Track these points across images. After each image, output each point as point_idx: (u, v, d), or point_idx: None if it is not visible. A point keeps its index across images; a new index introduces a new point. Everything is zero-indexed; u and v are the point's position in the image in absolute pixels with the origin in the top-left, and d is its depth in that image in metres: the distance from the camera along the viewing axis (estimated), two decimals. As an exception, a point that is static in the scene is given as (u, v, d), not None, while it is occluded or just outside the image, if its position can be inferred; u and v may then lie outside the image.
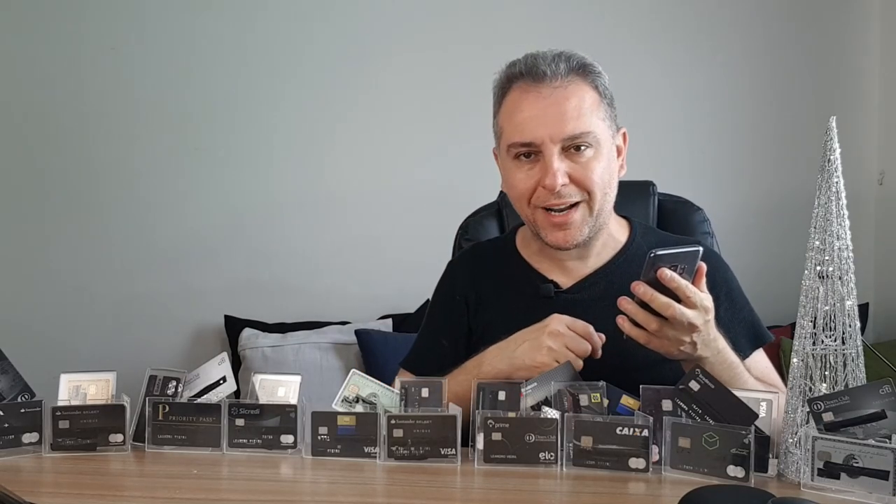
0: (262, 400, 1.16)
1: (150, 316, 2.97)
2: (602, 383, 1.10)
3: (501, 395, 1.11)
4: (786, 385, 1.05)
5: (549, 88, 1.24)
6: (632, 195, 1.51)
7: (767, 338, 1.36)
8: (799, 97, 2.94)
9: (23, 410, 1.13)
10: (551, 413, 1.07)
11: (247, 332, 2.82)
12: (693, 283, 1.10)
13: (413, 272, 2.81)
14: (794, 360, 1.01)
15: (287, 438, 1.14)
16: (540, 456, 1.06)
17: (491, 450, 1.06)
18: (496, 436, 1.06)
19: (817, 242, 0.99)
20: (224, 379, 1.19)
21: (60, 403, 1.15)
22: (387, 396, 1.13)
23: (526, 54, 1.28)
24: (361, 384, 1.14)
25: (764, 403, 1.04)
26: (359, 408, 1.12)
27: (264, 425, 1.14)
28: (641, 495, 0.98)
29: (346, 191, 2.98)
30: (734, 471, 0.98)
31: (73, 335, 2.93)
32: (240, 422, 1.14)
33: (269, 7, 2.97)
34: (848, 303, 0.98)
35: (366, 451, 1.10)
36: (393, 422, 1.08)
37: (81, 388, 1.17)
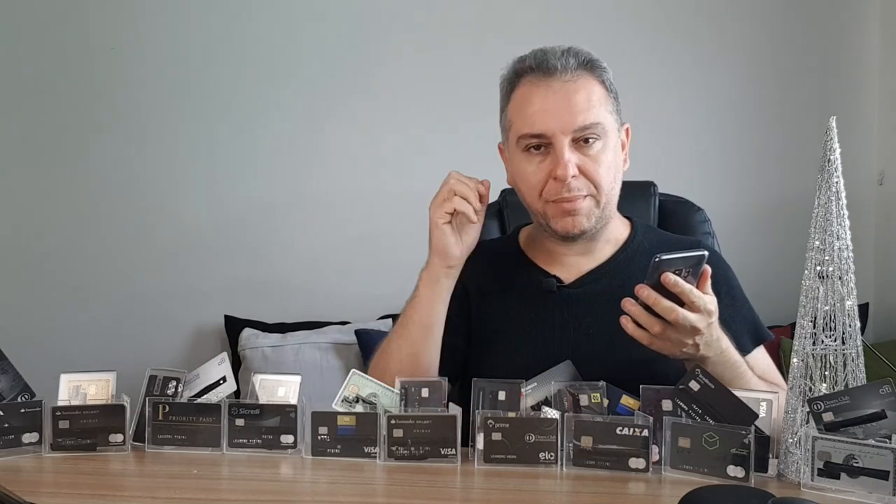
0: (262, 400, 1.16)
1: (150, 316, 2.97)
2: (602, 383, 1.10)
3: (501, 395, 1.11)
4: (787, 384, 1.05)
5: (559, 82, 1.26)
6: (633, 195, 1.51)
7: (767, 336, 1.37)
8: (799, 97, 2.94)
9: (23, 410, 1.13)
10: (551, 413, 1.07)
11: (247, 332, 2.82)
12: (697, 286, 1.10)
13: (413, 272, 2.79)
14: (794, 360, 1.01)
15: (287, 438, 1.14)
16: (540, 456, 1.06)
17: (491, 450, 1.06)
18: (496, 436, 1.06)
19: (817, 242, 0.99)
20: (224, 379, 1.19)
21: (60, 403, 1.15)
22: (387, 396, 1.14)
23: (534, 49, 1.30)
24: (361, 384, 1.14)
25: (764, 403, 1.04)
26: (359, 408, 1.12)
27: (264, 425, 1.14)
28: (641, 495, 0.98)
29: (346, 190, 2.98)
30: (734, 471, 0.98)
31: (73, 335, 2.93)
32: (240, 422, 1.14)
33: (269, 8, 2.97)
34: (848, 303, 0.98)
35: (366, 451, 1.10)
36: (393, 422, 1.08)
37: (81, 388, 1.17)
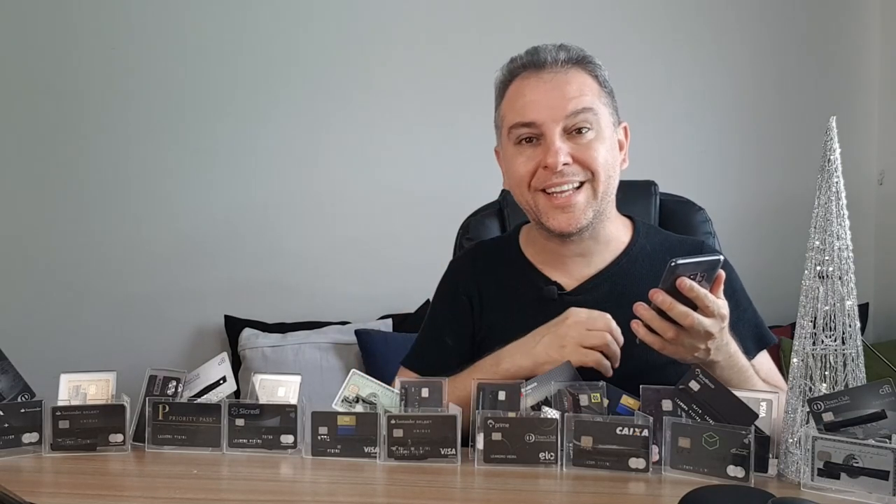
0: (262, 400, 1.16)
1: (150, 316, 2.97)
2: (602, 383, 1.10)
3: (501, 395, 1.11)
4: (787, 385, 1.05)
5: (549, 74, 1.26)
6: (633, 195, 1.50)
7: (771, 340, 1.36)
8: (799, 97, 2.94)
9: (23, 410, 1.13)
10: (551, 413, 1.07)
11: (247, 332, 2.82)
12: (710, 290, 1.10)
13: (413, 272, 2.81)
14: (794, 360, 1.01)
15: (287, 438, 1.14)
16: (540, 456, 1.06)
17: (491, 450, 1.06)
18: (496, 436, 1.06)
19: (817, 242, 0.99)
20: (224, 379, 1.19)
21: (60, 403, 1.15)
22: (387, 396, 1.13)
23: (526, 49, 1.30)
24: (361, 384, 1.14)
25: (764, 403, 1.04)
26: (359, 408, 1.12)
27: (264, 425, 1.14)
28: (641, 495, 0.98)
29: (346, 191, 2.99)
30: (734, 471, 0.98)
31: (73, 335, 2.93)
32: (240, 422, 1.14)
33: (269, 8, 2.97)
34: (848, 303, 0.98)
35: (366, 451, 1.10)
36: (393, 422, 1.08)
37: (81, 388, 1.17)
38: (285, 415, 1.14)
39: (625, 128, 1.34)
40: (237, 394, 1.24)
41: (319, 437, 1.11)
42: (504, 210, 1.64)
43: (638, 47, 2.85)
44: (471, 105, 2.87)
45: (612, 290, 1.31)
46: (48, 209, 2.98)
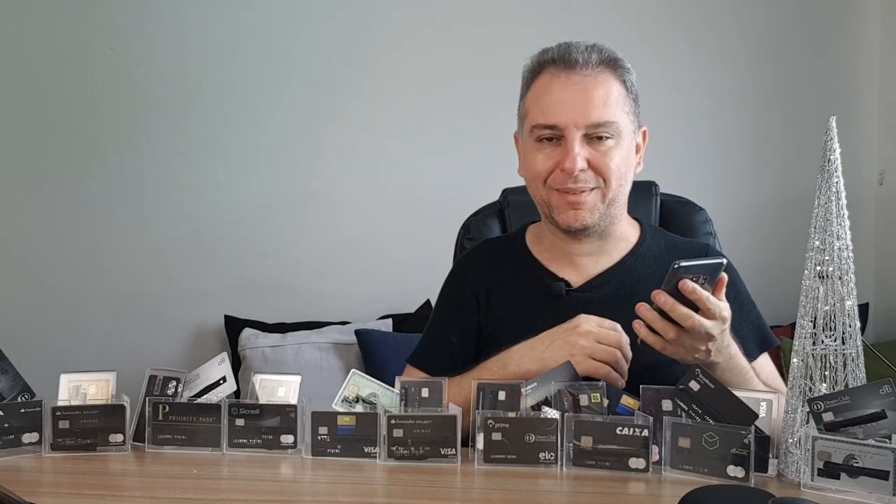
0: (262, 400, 1.16)
1: (150, 316, 2.97)
2: (602, 383, 1.10)
3: (501, 395, 1.11)
4: (786, 387, 1.05)
5: (578, 76, 1.26)
6: (634, 195, 1.50)
7: (773, 342, 1.36)
8: (799, 97, 2.94)
9: (23, 410, 1.13)
10: (551, 413, 1.07)
11: (247, 332, 2.82)
12: (713, 293, 1.10)
13: (413, 272, 2.81)
14: (794, 360, 1.01)
15: (287, 438, 1.14)
16: (540, 456, 1.06)
17: (491, 450, 1.06)
18: (496, 436, 1.06)
19: (817, 242, 0.99)
20: (224, 379, 1.19)
21: (60, 403, 1.15)
22: (387, 396, 1.13)
23: (559, 43, 1.30)
24: (361, 384, 1.14)
25: (764, 403, 1.04)
26: (359, 408, 1.12)
27: (264, 425, 1.14)
28: (641, 495, 0.98)
29: (346, 191, 2.98)
30: (734, 471, 0.98)
31: (73, 335, 2.93)
32: (240, 422, 1.14)
33: (269, 7, 2.97)
34: (848, 303, 0.98)
35: (366, 451, 1.10)
36: (393, 422, 1.08)
37: (81, 388, 1.17)
38: (285, 415, 1.14)
39: (644, 132, 1.35)
40: (237, 394, 1.24)
41: (319, 437, 1.11)
42: (505, 210, 1.64)
43: (638, 47, 2.81)
44: (472, 106, 2.89)
45: (619, 288, 1.32)
46: (48, 209, 2.97)
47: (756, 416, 1.01)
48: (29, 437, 1.13)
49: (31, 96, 2.97)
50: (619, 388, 1.12)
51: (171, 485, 1.02)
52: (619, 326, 1.19)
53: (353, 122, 2.97)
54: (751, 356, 1.26)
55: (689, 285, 1.07)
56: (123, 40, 2.96)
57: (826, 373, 0.98)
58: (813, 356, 0.99)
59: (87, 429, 1.14)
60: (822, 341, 0.98)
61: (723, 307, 1.10)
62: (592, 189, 1.27)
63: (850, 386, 0.97)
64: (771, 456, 1.02)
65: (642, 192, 1.59)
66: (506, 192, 1.66)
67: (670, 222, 1.57)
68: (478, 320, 1.39)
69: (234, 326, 2.89)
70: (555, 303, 1.30)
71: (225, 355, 1.22)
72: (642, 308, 1.11)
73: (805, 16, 2.94)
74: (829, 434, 0.94)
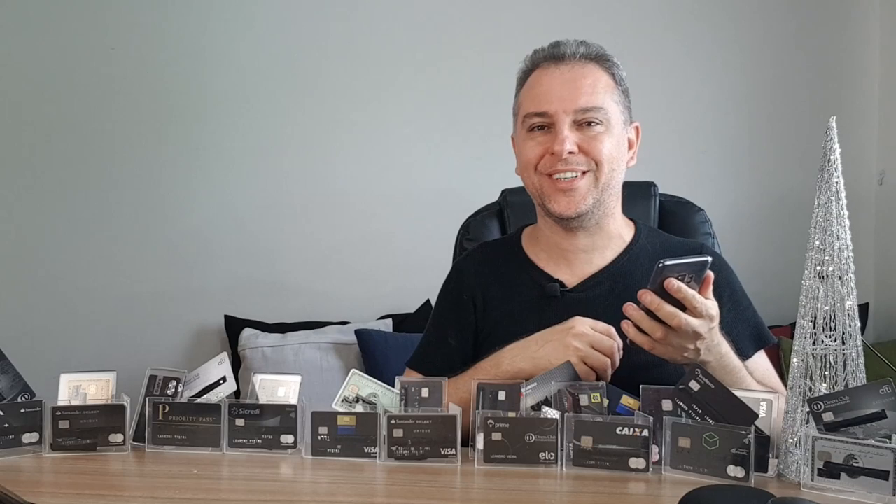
0: (262, 400, 1.16)
1: (150, 316, 2.97)
2: (602, 383, 1.10)
3: (501, 395, 1.11)
4: (786, 387, 1.05)
5: (567, 66, 1.30)
6: (633, 195, 1.51)
7: (770, 340, 1.36)
8: (799, 97, 2.94)
9: (23, 410, 1.13)
10: (551, 413, 1.07)
11: (247, 332, 2.82)
12: (700, 291, 1.10)
13: (413, 272, 2.82)
14: (794, 360, 1.01)
15: (287, 438, 1.14)
16: (540, 456, 1.06)
17: (491, 450, 1.06)
18: (496, 436, 1.06)
19: (817, 242, 0.99)
20: (224, 379, 1.19)
21: (60, 403, 1.15)
22: (387, 396, 1.13)
23: (549, 42, 1.34)
24: (361, 384, 1.14)
25: (764, 403, 1.04)
26: (359, 408, 1.12)
27: (264, 425, 1.14)
28: (641, 495, 0.98)
29: (346, 191, 2.99)
30: (734, 471, 0.98)
31: (73, 335, 2.93)
32: (240, 422, 1.14)
33: (271, 7, 2.97)
34: (848, 303, 0.98)
35: (366, 451, 1.10)
36: (393, 422, 1.08)
37: (81, 388, 1.17)
38: (285, 415, 1.14)
39: (636, 127, 1.37)
40: (237, 394, 1.24)
41: (319, 437, 1.11)
42: (504, 211, 1.64)
43: (638, 48, 2.85)
44: (472, 106, 2.90)
45: (613, 288, 1.32)
46: (48, 209, 2.97)
47: (756, 416, 1.01)
48: (29, 437, 1.13)
49: (30, 96, 2.97)
50: (612, 384, 1.12)
51: (170, 485, 1.02)
52: (613, 331, 1.19)
53: (354, 123, 2.97)
54: (744, 354, 1.26)
55: (674, 284, 1.07)
56: (124, 41, 2.96)
57: (826, 373, 0.98)
58: (813, 356, 0.99)
59: (87, 429, 1.14)
60: (822, 341, 0.98)
61: (709, 305, 1.11)
62: (584, 173, 1.29)
63: (850, 386, 0.97)
64: (771, 456, 1.02)
65: (641, 192, 1.59)
66: (505, 192, 1.66)
67: (669, 223, 1.57)
68: (475, 322, 1.40)
69: (234, 326, 2.89)
70: (550, 304, 1.31)
71: (225, 355, 1.22)
72: (629, 308, 1.11)
73: (805, 15, 2.94)
74: (829, 434, 0.94)
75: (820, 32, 2.95)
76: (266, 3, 2.97)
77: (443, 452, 1.08)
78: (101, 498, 0.97)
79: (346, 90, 2.97)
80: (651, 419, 1.04)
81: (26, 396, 1.17)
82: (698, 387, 1.04)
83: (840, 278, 0.98)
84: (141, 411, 1.18)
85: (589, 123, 1.28)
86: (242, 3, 2.98)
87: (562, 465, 1.05)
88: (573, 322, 1.21)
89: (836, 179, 0.98)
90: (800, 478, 0.96)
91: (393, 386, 1.14)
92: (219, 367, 1.20)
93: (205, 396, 1.18)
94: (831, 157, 0.98)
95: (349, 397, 1.13)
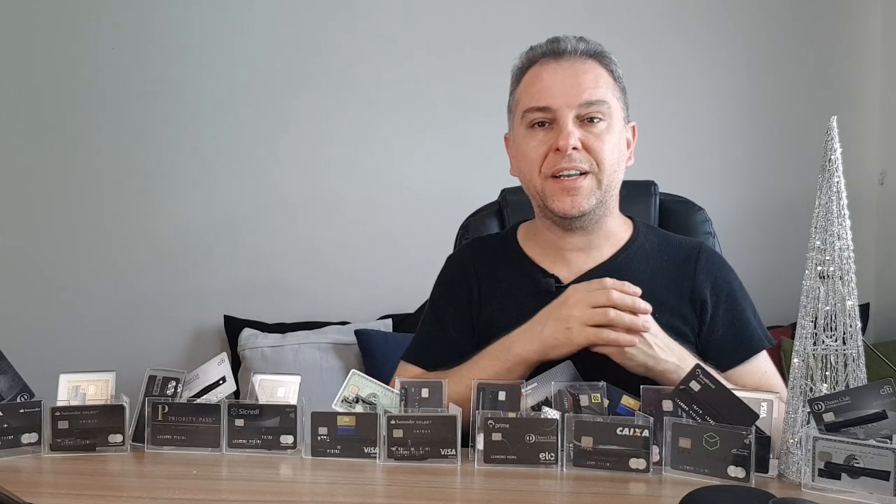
0: (262, 400, 1.16)
1: (150, 316, 2.97)
2: (602, 383, 1.10)
3: (501, 396, 1.11)
4: (787, 387, 1.05)
5: (567, 62, 1.29)
6: (633, 195, 1.50)
7: (762, 345, 1.32)
8: (800, 97, 2.94)
9: (22, 411, 1.13)
10: (551, 413, 1.07)
11: (246, 333, 2.82)
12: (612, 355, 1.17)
13: (413, 272, 2.80)
14: (795, 360, 1.01)
15: (287, 439, 1.14)
16: (540, 456, 1.06)
17: (491, 450, 1.06)
18: (496, 436, 1.06)
19: (818, 242, 0.98)
20: (224, 379, 1.19)
21: (60, 404, 1.15)
22: (387, 396, 1.13)
23: (547, 38, 1.33)
24: (361, 384, 1.14)
25: (764, 404, 1.04)
26: (359, 408, 1.12)
27: (264, 425, 1.14)
28: (642, 496, 0.98)
29: (345, 191, 2.98)
30: (735, 471, 0.98)
31: (72, 335, 2.93)
32: (239, 422, 1.14)
33: (270, 8, 2.97)
34: (849, 303, 0.98)
35: (366, 451, 1.10)
36: (393, 422, 1.08)
37: (81, 388, 1.17)
38: (285, 415, 1.14)
39: (633, 127, 1.37)
40: (237, 394, 1.23)
41: (319, 438, 1.11)
42: (504, 210, 1.64)
43: (637, 47, 2.85)
44: (471, 106, 2.89)
45: None
46: (48, 209, 2.97)
47: (757, 416, 1.01)
48: (28, 438, 1.13)
49: (30, 96, 2.97)
50: (612, 384, 1.12)
51: (170, 485, 1.01)
52: (607, 281, 1.18)
53: (354, 123, 2.97)
54: (731, 358, 1.28)
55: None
56: (123, 40, 2.96)
57: (827, 373, 0.98)
58: (814, 356, 0.99)
59: (87, 429, 1.14)
60: (823, 341, 0.98)
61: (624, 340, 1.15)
62: (587, 174, 1.27)
63: (851, 386, 0.97)
64: (771, 456, 1.02)
65: (641, 191, 1.59)
66: (504, 192, 1.66)
67: (670, 222, 1.57)
68: (471, 316, 1.39)
69: (233, 326, 2.89)
70: (545, 298, 1.30)
71: (224, 355, 1.22)
72: None
73: (805, 15, 2.94)
74: (829, 434, 0.94)
75: (821, 32, 2.95)
76: (264, 3, 2.97)
77: (443, 453, 1.08)
78: (100, 498, 0.97)
79: (347, 90, 2.97)
80: (651, 419, 1.03)
81: (25, 397, 1.17)
82: (699, 387, 1.04)
83: (841, 278, 0.97)
84: (140, 412, 1.17)
85: (591, 119, 1.27)
86: (240, 3, 2.98)
87: (562, 465, 1.05)
88: (568, 292, 1.21)
89: (836, 179, 0.97)
90: (800, 478, 0.96)
91: (392, 382, 1.14)
92: (218, 367, 1.20)
93: (204, 397, 1.18)
94: (832, 157, 0.98)
95: (349, 397, 1.13)
